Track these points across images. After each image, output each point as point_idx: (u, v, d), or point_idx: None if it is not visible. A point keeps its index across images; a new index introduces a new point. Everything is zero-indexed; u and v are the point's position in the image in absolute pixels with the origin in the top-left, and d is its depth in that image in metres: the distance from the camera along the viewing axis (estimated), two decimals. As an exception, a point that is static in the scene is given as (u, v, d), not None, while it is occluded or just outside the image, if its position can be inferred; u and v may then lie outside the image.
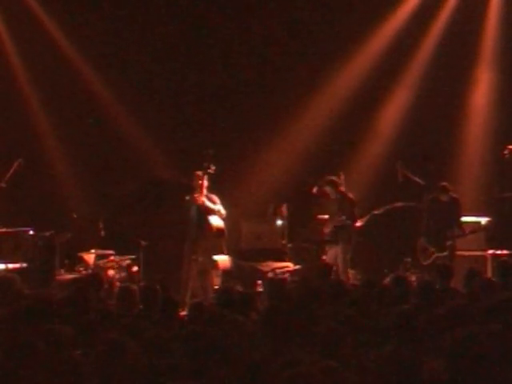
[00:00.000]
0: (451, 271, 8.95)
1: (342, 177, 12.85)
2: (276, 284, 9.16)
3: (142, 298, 7.95)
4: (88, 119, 14.43)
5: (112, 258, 12.40)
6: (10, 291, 8.06)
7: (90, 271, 11.79)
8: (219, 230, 12.08)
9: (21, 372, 5.22)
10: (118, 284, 11.44)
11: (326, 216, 12.80)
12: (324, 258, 12.56)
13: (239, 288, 8.20)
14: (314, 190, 12.71)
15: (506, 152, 12.81)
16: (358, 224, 12.67)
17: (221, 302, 7.55)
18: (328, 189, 12.59)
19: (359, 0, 14.42)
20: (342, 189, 12.62)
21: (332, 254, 12.45)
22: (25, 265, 11.66)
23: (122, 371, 5.07)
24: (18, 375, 5.16)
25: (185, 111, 14.78)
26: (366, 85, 14.65)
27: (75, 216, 13.34)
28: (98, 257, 12.42)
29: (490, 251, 12.77)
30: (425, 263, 12.39)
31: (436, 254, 12.25)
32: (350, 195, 12.64)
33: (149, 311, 7.48)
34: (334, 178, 12.64)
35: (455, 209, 12.52)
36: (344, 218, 12.41)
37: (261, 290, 11.26)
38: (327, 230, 12.64)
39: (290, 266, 12.77)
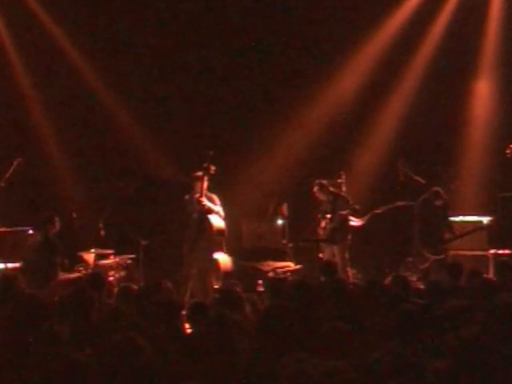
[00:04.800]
0: (461, 269, 8.96)
1: (343, 176, 12.86)
2: (277, 284, 9.11)
3: (142, 298, 7.91)
4: (88, 119, 14.42)
5: (112, 257, 12.38)
6: (12, 290, 8.02)
7: (90, 271, 11.74)
8: (219, 230, 12.04)
9: (20, 372, 5.19)
10: (117, 284, 11.40)
11: (327, 215, 12.79)
12: (320, 256, 12.53)
13: (239, 288, 8.13)
14: (315, 189, 12.71)
15: (508, 151, 12.78)
16: (359, 223, 12.65)
17: (221, 302, 7.50)
18: (317, 192, 12.61)
19: (358, 5, 14.39)
20: (332, 189, 12.61)
21: (328, 253, 12.45)
22: (24, 264, 11.61)
23: (135, 370, 5.01)
24: (17, 375, 5.13)
25: (185, 112, 14.77)
26: (367, 84, 14.65)
27: (75, 216, 13.30)
28: (98, 257, 12.40)
29: (492, 251, 12.73)
30: (421, 267, 12.35)
31: (433, 258, 12.23)
32: (343, 194, 12.62)
33: (148, 311, 7.43)
34: (321, 181, 12.65)
35: (446, 212, 12.53)
36: (340, 216, 12.43)
37: (261, 289, 11.22)
38: (323, 229, 12.64)
39: (291, 265, 12.74)
